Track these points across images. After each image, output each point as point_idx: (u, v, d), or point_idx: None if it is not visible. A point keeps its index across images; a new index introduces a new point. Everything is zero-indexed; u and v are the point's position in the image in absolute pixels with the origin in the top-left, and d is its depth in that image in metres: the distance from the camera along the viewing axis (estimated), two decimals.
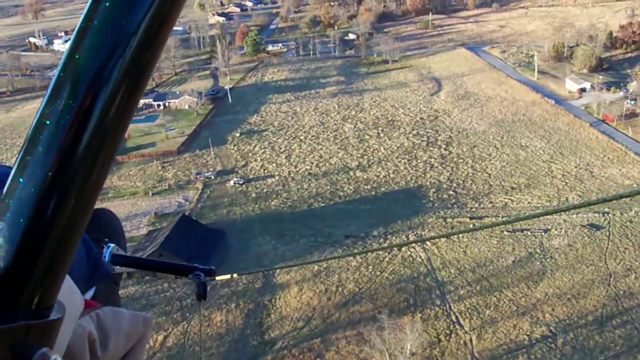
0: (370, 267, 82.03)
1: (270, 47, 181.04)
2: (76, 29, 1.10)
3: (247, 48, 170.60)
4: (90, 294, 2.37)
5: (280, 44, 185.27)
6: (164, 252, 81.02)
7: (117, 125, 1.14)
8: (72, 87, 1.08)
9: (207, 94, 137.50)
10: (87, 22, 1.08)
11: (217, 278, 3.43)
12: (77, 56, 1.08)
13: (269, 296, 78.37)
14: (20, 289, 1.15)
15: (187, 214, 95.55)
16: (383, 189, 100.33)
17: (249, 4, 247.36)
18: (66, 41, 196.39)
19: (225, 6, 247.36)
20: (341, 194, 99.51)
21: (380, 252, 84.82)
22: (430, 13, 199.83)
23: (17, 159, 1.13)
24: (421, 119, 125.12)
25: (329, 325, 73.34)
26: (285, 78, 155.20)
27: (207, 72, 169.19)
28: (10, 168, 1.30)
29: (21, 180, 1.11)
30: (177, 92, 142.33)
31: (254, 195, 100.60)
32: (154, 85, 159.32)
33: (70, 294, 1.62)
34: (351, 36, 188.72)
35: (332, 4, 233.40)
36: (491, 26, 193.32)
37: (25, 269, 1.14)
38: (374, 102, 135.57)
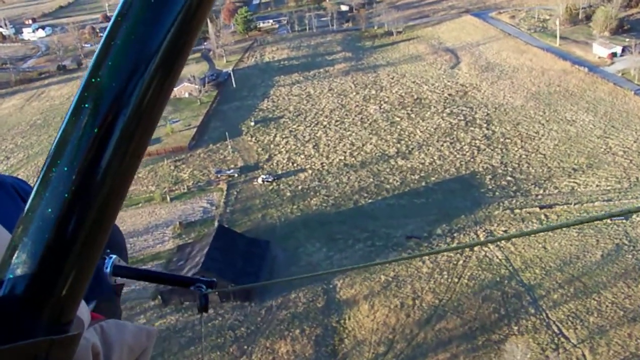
0: (445, 272, 71.78)
1: (261, 24, 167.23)
2: (98, 48, 1.11)
3: (238, 26, 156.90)
4: (91, 306, 2.27)
5: (271, 20, 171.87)
6: (207, 274, 69.06)
7: (138, 146, 1.16)
8: (94, 107, 1.10)
9: (209, 80, 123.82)
10: (109, 41, 1.09)
11: (219, 290, 3.29)
12: (99, 78, 1.10)
13: (335, 317, 67.59)
14: (42, 304, 1.17)
15: (216, 221, 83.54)
16: (433, 178, 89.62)
17: None
18: (36, 30, 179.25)
19: None
20: (387, 186, 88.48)
21: (452, 255, 74.40)
22: None
23: (39, 174, 1.15)
24: (449, 95, 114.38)
25: (415, 348, 62.99)
26: (288, 57, 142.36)
27: (198, 54, 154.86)
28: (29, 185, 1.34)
29: (44, 196, 1.13)
30: None
31: (288, 193, 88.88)
32: None
33: (80, 308, 1.57)
34: (343, 8, 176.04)
35: None
36: None
37: (48, 284, 1.16)
38: (392, 79, 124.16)
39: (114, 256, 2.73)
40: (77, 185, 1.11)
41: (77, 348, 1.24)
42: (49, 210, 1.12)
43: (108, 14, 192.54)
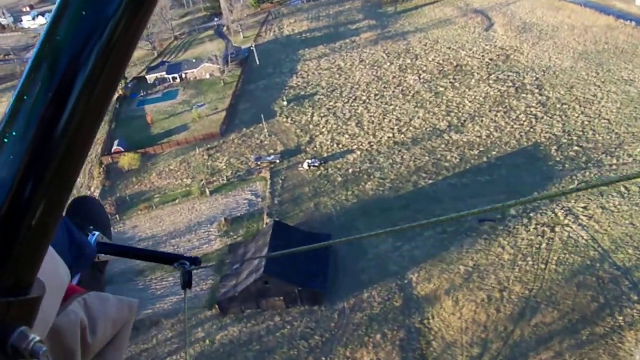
0: (529, 258, 65.30)
1: None
2: (55, 8, 1.08)
3: (252, 1, 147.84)
4: (74, 282, 2.32)
5: None
6: (270, 279, 62.73)
7: (97, 104, 1.14)
8: (51, 65, 1.07)
9: (232, 58, 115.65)
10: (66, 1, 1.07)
11: (202, 266, 3.36)
12: (57, 37, 1.07)
13: (418, 316, 61.29)
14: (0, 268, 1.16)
15: (265, 214, 76.68)
16: (494, 152, 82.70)
17: None
18: (35, 17, 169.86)
19: None
20: (446, 164, 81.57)
21: (532, 238, 67.90)
22: None
23: None
24: (491, 60, 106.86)
25: (514, 348, 56.75)
26: (309, 29, 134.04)
27: (211, 32, 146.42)
28: None
29: (0, 157, 1.11)
30: (194, 60, 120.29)
31: (339, 178, 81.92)
32: (156, 54, 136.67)
33: (54, 272, 1.65)
34: None
35: None
36: None
37: (3, 246, 1.14)
38: (426, 45, 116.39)
39: (97, 233, 2.71)
40: (33, 149, 1.08)
41: (37, 312, 1.24)
42: (5, 169, 1.10)
43: None
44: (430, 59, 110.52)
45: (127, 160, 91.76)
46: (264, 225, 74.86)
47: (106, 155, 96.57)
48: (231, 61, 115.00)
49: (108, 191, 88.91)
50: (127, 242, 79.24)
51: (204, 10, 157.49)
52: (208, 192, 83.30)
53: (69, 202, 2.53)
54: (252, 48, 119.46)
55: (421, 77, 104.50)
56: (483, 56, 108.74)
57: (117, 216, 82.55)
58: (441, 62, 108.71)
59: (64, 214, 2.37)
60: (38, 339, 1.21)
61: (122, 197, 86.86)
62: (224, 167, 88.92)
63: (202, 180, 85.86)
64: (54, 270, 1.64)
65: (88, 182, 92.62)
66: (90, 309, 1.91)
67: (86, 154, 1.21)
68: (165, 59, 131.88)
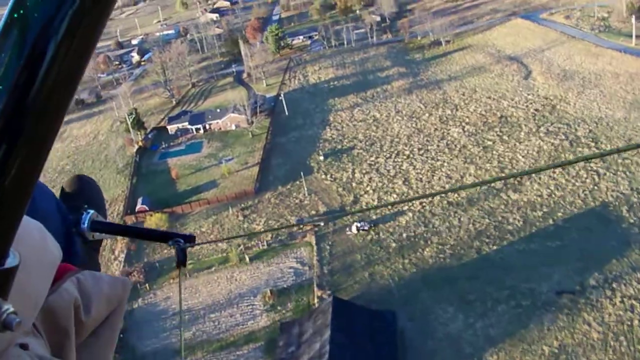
0: (621, 338, 58.52)
1: (292, 42, 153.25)
2: None
3: (270, 45, 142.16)
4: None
5: (301, 37, 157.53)
6: None
7: (70, 75, 1.12)
8: (21, 33, 1.04)
9: (262, 109, 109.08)
10: None
11: (197, 244, 3.30)
12: (28, 2, 1.04)
13: None
14: None
15: (315, 285, 69.18)
16: (559, 214, 75.78)
17: None
18: None
19: (209, 2, 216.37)
20: (509, 227, 74.50)
21: (620, 312, 60.86)
22: None
23: None
24: (536, 110, 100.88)
25: None
26: (335, 76, 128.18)
27: (230, 78, 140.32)
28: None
29: None
30: (218, 110, 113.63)
31: (393, 244, 74.62)
32: (174, 102, 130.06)
33: (44, 248, 1.67)
34: (375, 17, 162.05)
35: None
36: None
37: None
38: (463, 95, 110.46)
39: (91, 211, 2.64)
40: (7, 112, 1.07)
41: (11, 283, 1.23)
42: None
43: (120, 40, 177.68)
44: (471, 110, 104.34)
45: (154, 221, 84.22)
46: (315, 299, 67.31)
47: (130, 215, 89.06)
48: (262, 112, 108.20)
49: (134, 255, 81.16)
50: (160, 317, 71.36)
51: (220, 56, 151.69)
52: (248, 259, 75.73)
53: (65, 181, 2.84)
54: (280, 97, 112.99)
55: (465, 129, 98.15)
56: (527, 106, 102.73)
57: (147, 285, 74.74)
58: (483, 112, 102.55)
59: (58, 195, 2.64)
60: (11, 309, 1.22)
61: (150, 263, 79.08)
62: (262, 229, 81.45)
63: (239, 245, 78.24)
64: (43, 246, 1.65)
65: (111, 245, 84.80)
66: (83, 287, 1.91)
67: (59, 122, 1.18)
68: (185, 108, 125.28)
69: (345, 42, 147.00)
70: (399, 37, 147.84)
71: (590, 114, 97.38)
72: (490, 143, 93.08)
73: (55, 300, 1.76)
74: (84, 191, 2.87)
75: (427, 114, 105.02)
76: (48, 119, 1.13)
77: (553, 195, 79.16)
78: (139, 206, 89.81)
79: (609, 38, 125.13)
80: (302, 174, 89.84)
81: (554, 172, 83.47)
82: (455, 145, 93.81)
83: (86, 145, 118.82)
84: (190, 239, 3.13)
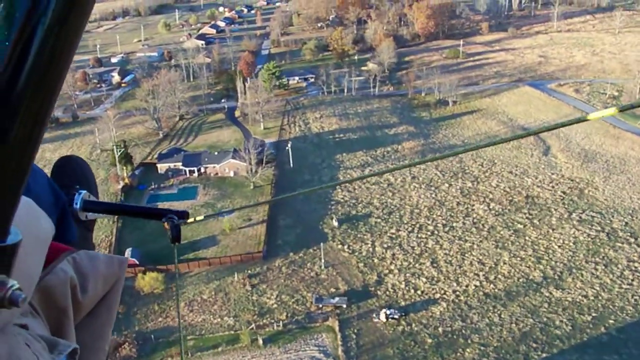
0: None
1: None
2: None
3: (265, 83, 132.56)
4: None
5: (297, 78, 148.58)
6: None
7: (60, 54, 1.11)
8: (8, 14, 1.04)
9: (266, 156, 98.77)
10: None
11: (190, 221, 3.30)
12: None
13: None
14: None
15: None
16: (610, 321, 68.15)
17: (222, 24, 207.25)
18: None
19: (193, 26, 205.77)
20: (556, 332, 66.34)
21: None
22: (461, 42, 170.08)
23: None
24: (564, 193, 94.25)
25: None
26: (340, 128, 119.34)
27: (221, 115, 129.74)
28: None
29: None
30: (215, 153, 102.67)
31: (428, 339, 65.31)
32: (161, 135, 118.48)
33: (36, 225, 1.68)
34: (371, 66, 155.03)
35: (320, 24, 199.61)
36: (530, 56, 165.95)
37: None
38: (482, 166, 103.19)
39: (83, 191, 2.63)
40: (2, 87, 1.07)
41: (14, 260, 1.25)
42: None
43: (99, 56, 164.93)
44: (493, 184, 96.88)
45: (148, 282, 72.65)
46: None
47: None
48: (268, 162, 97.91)
49: (123, 320, 69.13)
50: None
51: (208, 88, 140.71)
52: (261, 341, 64.92)
53: (55, 162, 2.79)
54: (287, 148, 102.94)
55: (490, 206, 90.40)
56: (553, 187, 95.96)
57: None
58: (507, 189, 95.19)
59: (50, 174, 2.61)
60: (17, 286, 1.24)
61: (142, 333, 67.38)
62: (275, 305, 70.96)
63: (250, 324, 67.49)
64: (36, 223, 1.66)
65: None
66: (79, 266, 1.92)
67: (52, 104, 1.20)
68: (174, 144, 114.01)
69: (346, 90, 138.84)
70: (401, 90, 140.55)
71: (623, 204, 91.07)
72: (520, 226, 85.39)
73: (51, 280, 1.79)
74: (75, 171, 2.81)
75: (446, 185, 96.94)
76: (40, 97, 1.13)
77: (600, 298, 71.49)
78: (127, 259, 77.82)
79: (626, 120, 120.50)
80: (316, 241, 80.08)
81: (595, 270, 76.21)
82: (483, 225, 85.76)
83: None
84: (183, 215, 3.02)
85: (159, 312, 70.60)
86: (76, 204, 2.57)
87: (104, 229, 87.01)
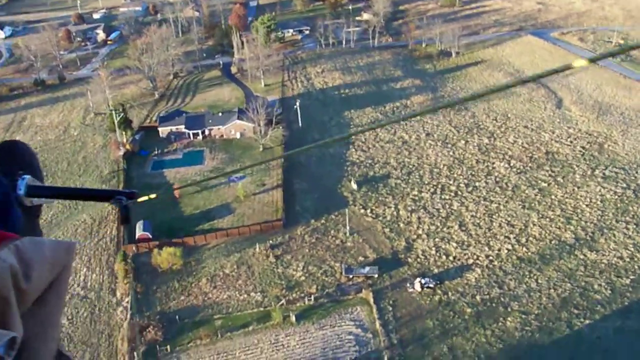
0: None
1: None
2: None
3: (260, 37, 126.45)
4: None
5: (291, 30, 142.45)
6: None
7: None
8: None
9: (276, 115, 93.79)
10: None
11: (140, 200, 3.26)
12: None
13: None
14: None
15: (385, 358, 56.39)
16: None
17: None
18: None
19: None
20: (597, 297, 64.27)
21: None
22: None
23: None
24: (583, 148, 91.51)
25: None
26: (344, 83, 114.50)
27: (216, 71, 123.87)
28: None
29: None
30: (220, 114, 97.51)
31: (467, 309, 62.76)
32: (157, 95, 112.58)
33: None
34: (366, 16, 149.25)
35: None
36: (528, 3, 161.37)
37: None
38: (496, 120, 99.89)
39: (27, 176, 2.60)
40: None
41: None
42: None
43: (80, 12, 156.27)
44: (510, 140, 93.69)
45: (165, 258, 68.54)
46: None
47: (130, 244, 72.75)
48: (277, 122, 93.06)
49: (143, 301, 65.50)
50: None
51: (198, 43, 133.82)
52: (293, 318, 61.72)
53: None
54: (295, 106, 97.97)
55: (511, 164, 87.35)
56: (571, 142, 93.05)
57: (168, 346, 59.51)
58: (526, 145, 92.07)
59: None
60: None
61: (166, 314, 63.73)
62: (303, 277, 67.59)
63: (280, 300, 64.12)
64: None
65: (109, 282, 68.72)
66: (22, 254, 1.92)
67: None
68: (172, 104, 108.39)
69: (344, 42, 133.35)
70: (401, 42, 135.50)
71: None
72: (544, 185, 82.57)
73: None
74: (17, 157, 2.75)
75: (462, 141, 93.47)
76: None
77: (636, 259, 69.35)
78: (139, 233, 73.51)
79: (635, 69, 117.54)
80: (336, 206, 76.53)
81: (627, 229, 73.92)
82: (507, 185, 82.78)
83: (56, 140, 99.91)
84: (132, 196, 2.98)
85: (180, 290, 66.84)
86: (20, 189, 2.50)
87: None
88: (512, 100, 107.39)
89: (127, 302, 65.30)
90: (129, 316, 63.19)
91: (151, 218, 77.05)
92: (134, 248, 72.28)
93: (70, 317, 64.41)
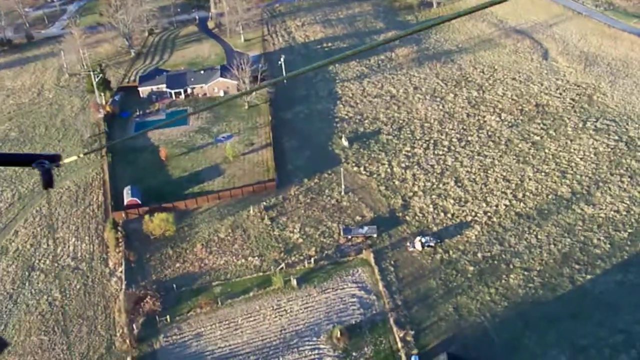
0: None
1: None
2: None
3: None
4: None
5: None
6: None
7: None
8: None
9: (261, 70, 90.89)
10: None
11: (65, 161, 3.18)
12: None
13: None
14: None
15: (393, 322, 55.61)
16: None
17: None
18: None
19: None
20: (597, 251, 64.28)
21: None
22: None
23: None
24: (573, 100, 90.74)
25: None
26: (326, 36, 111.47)
27: (193, 27, 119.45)
28: None
29: None
30: (201, 72, 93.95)
31: (469, 267, 62.22)
32: (133, 54, 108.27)
33: None
34: None
35: None
36: None
37: None
38: (483, 72, 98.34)
39: None
40: None
41: None
42: None
43: None
44: (499, 93, 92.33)
45: (157, 224, 66.29)
46: (399, 343, 53.74)
47: (118, 211, 70.16)
48: (260, 75, 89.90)
49: (137, 270, 63.51)
50: None
51: None
52: (295, 282, 60.39)
53: None
54: (280, 62, 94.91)
55: (502, 117, 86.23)
56: (561, 94, 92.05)
57: (167, 317, 57.83)
58: (515, 98, 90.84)
59: None
60: None
61: (162, 283, 61.90)
62: (300, 239, 66.11)
63: (279, 264, 62.62)
64: None
65: (100, 251, 66.41)
66: None
67: None
68: (150, 64, 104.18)
69: None
70: None
71: (635, 110, 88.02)
72: (537, 138, 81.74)
73: None
74: None
75: (451, 94, 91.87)
76: None
77: (632, 212, 69.19)
78: (128, 199, 70.93)
79: (618, 18, 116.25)
80: (328, 164, 74.85)
81: (622, 183, 73.62)
82: (499, 139, 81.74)
83: (30, 103, 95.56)
84: (54, 159, 2.93)
85: (175, 257, 64.92)
86: None
87: (93, 165, 79.38)
88: (498, 51, 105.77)
89: (121, 271, 63.22)
90: (124, 286, 61.16)
91: (138, 183, 74.57)
92: (123, 215, 69.80)
93: (62, 290, 62.39)
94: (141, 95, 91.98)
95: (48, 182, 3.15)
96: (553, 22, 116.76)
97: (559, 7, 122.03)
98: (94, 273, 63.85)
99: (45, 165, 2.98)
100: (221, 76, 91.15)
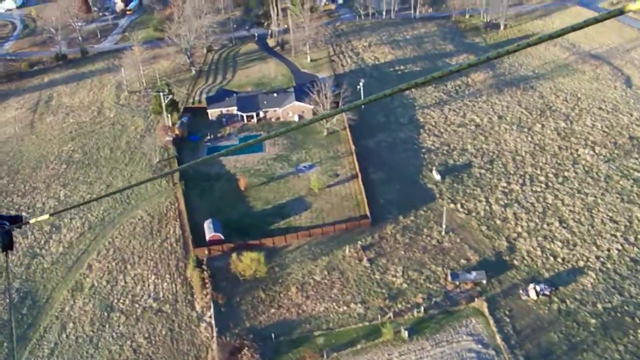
0: None
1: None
2: None
3: (293, 7, 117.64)
4: None
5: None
6: None
7: None
8: None
9: (339, 94, 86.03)
10: None
11: (31, 222, 2.90)
12: None
13: None
14: None
15: None
16: None
17: None
18: None
19: None
20: None
21: None
22: None
23: None
24: None
25: None
26: (396, 59, 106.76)
27: (253, 44, 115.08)
28: None
29: None
30: (274, 94, 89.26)
31: (591, 320, 57.08)
32: (194, 72, 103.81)
33: None
34: None
35: None
36: None
37: None
38: (566, 101, 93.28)
39: None
40: None
41: None
42: None
43: None
44: (587, 123, 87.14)
45: (247, 264, 61.39)
46: None
47: (200, 247, 65.32)
48: (342, 100, 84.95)
49: (227, 315, 58.57)
50: None
51: (225, 13, 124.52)
52: (406, 334, 55.26)
53: None
54: (359, 87, 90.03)
55: (595, 150, 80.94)
56: None
57: None
58: (606, 129, 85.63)
59: None
60: None
61: (257, 330, 56.90)
62: (404, 284, 61.05)
63: (385, 312, 57.55)
64: None
65: (183, 292, 61.48)
66: None
67: None
68: (213, 83, 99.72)
69: (384, 13, 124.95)
70: (442, 12, 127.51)
71: None
72: (638, 175, 76.33)
73: None
74: None
75: (538, 125, 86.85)
76: None
77: None
78: (210, 234, 66.05)
79: None
80: (422, 199, 69.96)
81: None
82: (597, 175, 76.45)
83: (91, 122, 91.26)
84: (15, 220, 2.69)
85: (269, 302, 59.95)
86: None
87: (165, 193, 74.68)
88: (578, 78, 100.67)
89: (210, 316, 58.33)
90: (215, 334, 56.20)
91: (217, 215, 69.79)
92: (205, 251, 64.95)
93: (147, 335, 57.50)
94: (210, 118, 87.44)
95: (8, 244, 2.78)
96: (629, 46, 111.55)
97: (633, 30, 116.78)
98: (180, 317, 58.99)
99: (6, 226, 2.67)
100: (296, 99, 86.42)
